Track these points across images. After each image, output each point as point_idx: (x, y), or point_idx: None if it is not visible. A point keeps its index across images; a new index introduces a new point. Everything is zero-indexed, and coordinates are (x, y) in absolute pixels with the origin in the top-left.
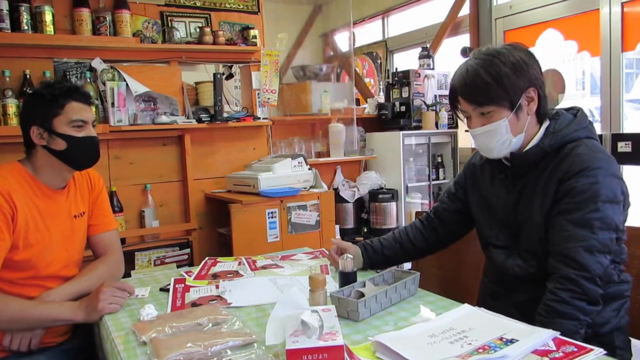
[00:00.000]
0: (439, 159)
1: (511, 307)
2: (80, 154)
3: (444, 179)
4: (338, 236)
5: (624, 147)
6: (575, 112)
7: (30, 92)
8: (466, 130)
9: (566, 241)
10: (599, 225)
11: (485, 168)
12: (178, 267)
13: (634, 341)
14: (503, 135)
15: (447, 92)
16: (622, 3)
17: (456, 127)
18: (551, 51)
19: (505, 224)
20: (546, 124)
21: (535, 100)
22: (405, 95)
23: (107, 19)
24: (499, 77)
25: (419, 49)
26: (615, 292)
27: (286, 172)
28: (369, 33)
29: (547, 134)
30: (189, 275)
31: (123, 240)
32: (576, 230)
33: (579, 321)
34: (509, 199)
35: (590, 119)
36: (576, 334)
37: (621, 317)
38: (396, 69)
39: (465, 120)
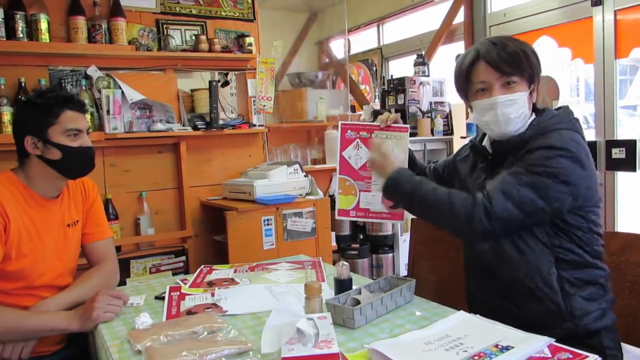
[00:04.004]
0: None
1: (494, 293)
2: (76, 163)
3: None
4: (334, 243)
5: (617, 153)
6: (562, 110)
7: (23, 101)
8: (462, 137)
9: (494, 181)
10: (528, 182)
11: (469, 158)
12: (173, 274)
13: (627, 346)
14: (521, 107)
15: (442, 99)
16: (614, 11)
17: (451, 133)
18: (545, 58)
19: None
20: (532, 117)
21: (536, 90)
22: (400, 102)
23: (103, 26)
24: (525, 52)
25: (414, 56)
26: (589, 277)
27: (282, 179)
28: (364, 40)
29: (530, 126)
30: (185, 283)
31: (118, 248)
32: (507, 176)
33: (431, 213)
34: (483, 183)
35: (585, 125)
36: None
37: (603, 310)
38: (391, 76)
39: (471, 97)
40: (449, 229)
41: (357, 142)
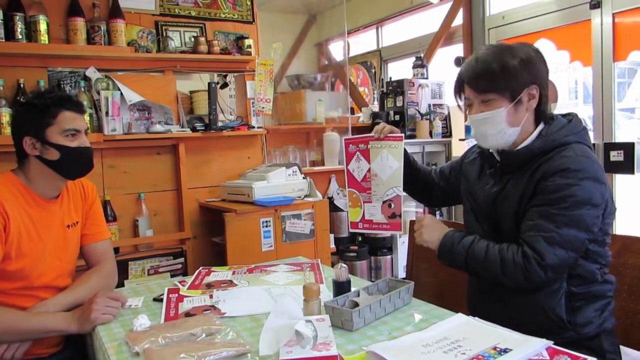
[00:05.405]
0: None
1: (496, 304)
2: (74, 163)
3: None
4: (332, 245)
5: (616, 156)
6: (571, 118)
7: (21, 102)
8: (460, 139)
9: (530, 229)
10: (565, 221)
11: (477, 161)
12: (172, 276)
13: (625, 349)
14: (499, 124)
15: (441, 102)
16: (613, 14)
17: (450, 135)
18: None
19: (487, 216)
20: (541, 126)
21: (536, 98)
22: (399, 104)
23: (102, 28)
24: (505, 68)
25: (412, 59)
26: (597, 292)
27: (281, 181)
28: (363, 42)
29: (539, 136)
30: (183, 285)
31: (117, 250)
32: (541, 221)
33: (488, 273)
34: (491, 191)
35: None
36: (458, 268)
37: (605, 318)
38: (390, 78)
39: (465, 109)
40: (509, 284)
41: (358, 154)
